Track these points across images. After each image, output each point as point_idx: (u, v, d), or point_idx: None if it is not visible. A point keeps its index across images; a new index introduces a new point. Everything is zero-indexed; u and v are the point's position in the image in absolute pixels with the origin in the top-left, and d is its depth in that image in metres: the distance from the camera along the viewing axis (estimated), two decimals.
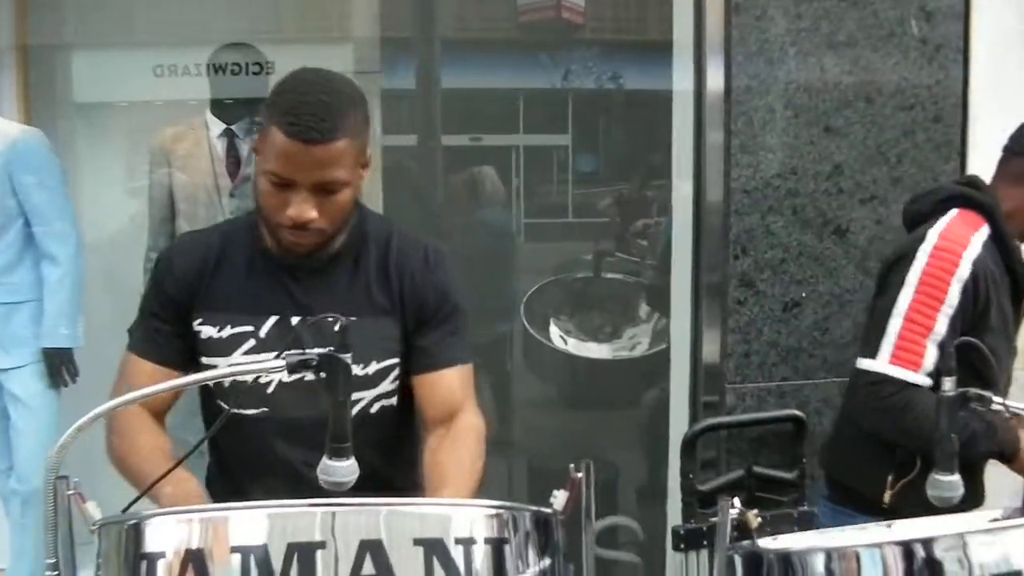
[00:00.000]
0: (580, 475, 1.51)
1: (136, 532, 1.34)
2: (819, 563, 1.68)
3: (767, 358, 2.82)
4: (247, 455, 1.83)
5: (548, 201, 4.25)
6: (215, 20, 3.97)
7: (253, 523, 1.29)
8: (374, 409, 1.85)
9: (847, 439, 2.38)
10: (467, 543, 1.31)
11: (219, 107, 3.62)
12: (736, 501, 1.75)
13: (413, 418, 1.92)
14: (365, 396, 1.83)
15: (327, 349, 1.49)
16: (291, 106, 1.66)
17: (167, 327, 1.84)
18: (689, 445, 2.75)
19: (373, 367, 1.82)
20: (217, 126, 3.58)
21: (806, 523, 2.70)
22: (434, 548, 1.28)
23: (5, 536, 3.57)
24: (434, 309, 1.85)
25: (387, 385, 1.85)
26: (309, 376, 1.66)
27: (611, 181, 4.12)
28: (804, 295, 2.81)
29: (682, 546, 2.76)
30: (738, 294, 2.78)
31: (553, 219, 4.27)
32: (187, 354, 1.85)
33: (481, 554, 1.32)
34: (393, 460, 1.89)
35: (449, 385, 1.85)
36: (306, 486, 1.58)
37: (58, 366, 3.26)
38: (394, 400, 1.87)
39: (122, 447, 1.79)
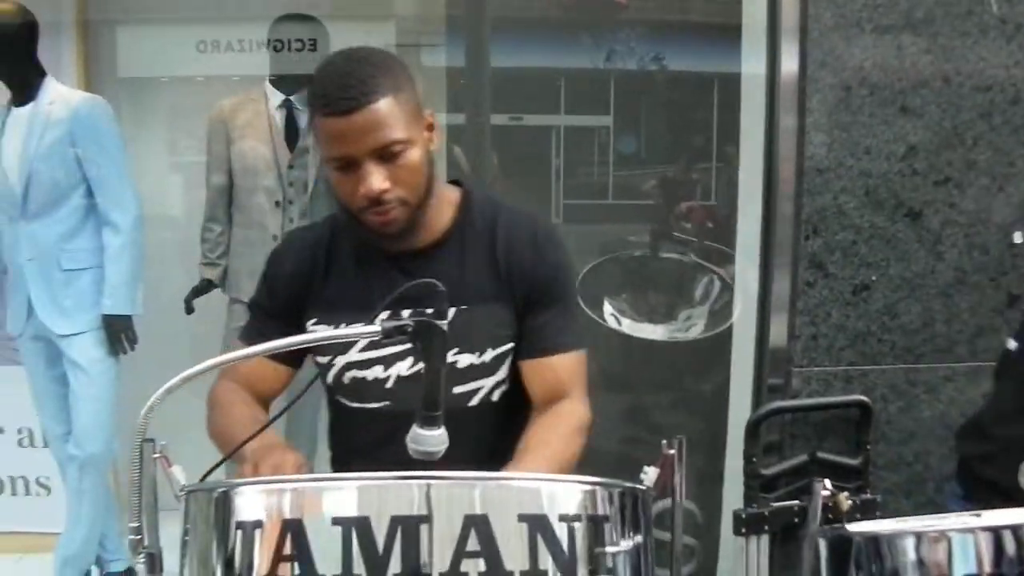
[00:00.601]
0: (672, 452, 1.49)
1: (226, 500, 1.32)
2: (909, 547, 1.66)
3: (835, 341, 2.78)
4: (367, 448, 1.81)
5: (588, 182, 4.21)
6: None
7: (348, 495, 1.27)
8: (495, 396, 1.82)
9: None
10: (570, 520, 1.28)
11: (278, 78, 3.61)
12: (827, 483, 1.73)
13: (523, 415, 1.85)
14: (484, 384, 1.81)
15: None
16: (321, 87, 1.66)
17: (274, 323, 1.85)
18: (753, 428, 2.73)
19: (489, 355, 1.79)
20: (276, 97, 3.57)
21: (868, 511, 2.67)
22: (538, 524, 1.25)
23: (59, 501, 3.61)
24: (543, 290, 1.80)
25: (506, 370, 1.81)
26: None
27: (652, 163, 4.08)
28: (874, 278, 2.77)
29: (743, 530, 2.73)
30: (808, 275, 2.74)
31: (593, 200, 4.23)
32: (300, 353, 1.86)
33: (583, 531, 1.29)
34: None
35: (555, 372, 1.80)
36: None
37: (117, 333, 3.27)
38: (512, 385, 1.83)
39: (220, 421, 1.80)
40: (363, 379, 1.81)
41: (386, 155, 1.66)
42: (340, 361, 1.81)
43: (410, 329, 1.44)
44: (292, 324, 1.84)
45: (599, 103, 3.96)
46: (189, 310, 3.69)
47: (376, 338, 1.45)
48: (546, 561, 1.24)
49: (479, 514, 1.23)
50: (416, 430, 1.48)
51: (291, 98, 3.57)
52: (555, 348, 1.79)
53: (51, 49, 3.53)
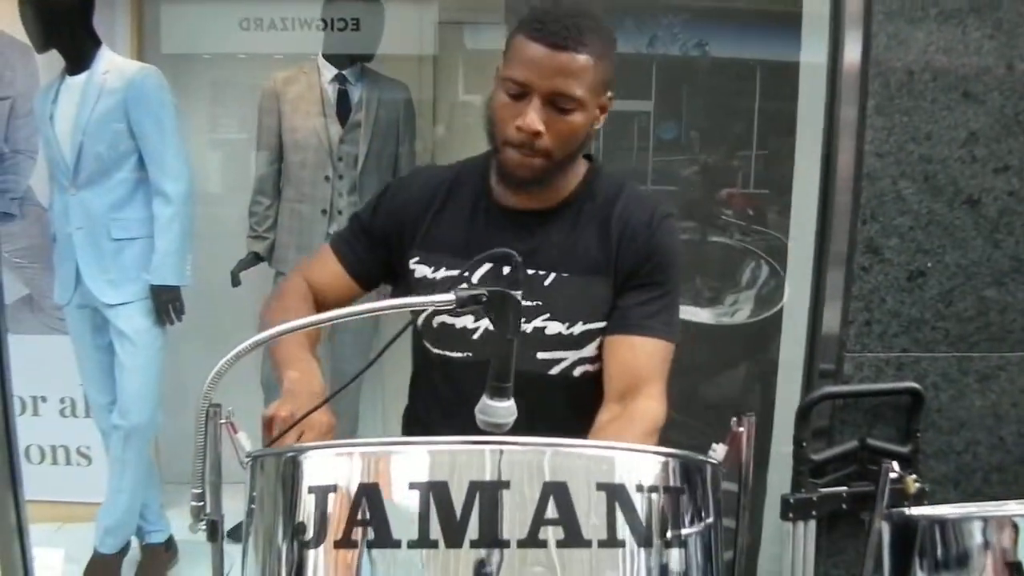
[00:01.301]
0: (741, 429, 1.48)
1: (295, 465, 1.31)
2: (976, 531, 1.64)
3: (888, 328, 2.74)
4: (447, 398, 1.82)
5: (627, 167, 4.18)
6: None
7: (419, 459, 1.26)
8: (577, 372, 1.80)
9: None
10: (648, 491, 1.27)
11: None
12: (895, 465, 1.71)
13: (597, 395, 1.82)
14: (568, 357, 1.80)
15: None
16: (542, 14, 1.68)
17: (368, 242, 1.90)
18: (805, 413, 2.71)
19: (579, 328, 1.78)
20: (329, 71, 3.57)
21: (917, 500, 2.64)
22: (617, 493, 1.24)
23: (100, 471, 3.63)
24: (647, 271, 1.78)
25: (592, 349, 1.79)
26: (533, 326, 1.75)
27: (692, 150, 4.05)
28: (930, 265, 2.73)
29: (791, 515, 2.72)
30: (863, 260, 2.71)
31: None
32: (375, 276, 1.91)
33: (659, 503, 1.28)
34: (588, 430, 1.76)
35: (635, 356, 1.75)
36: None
37: (165, 303, 3.28)
38: (598, 367, 1.81)
39: (277, 315, 1.79)
40: (452, 326, 1.81)
41: (558, 104, 1.68)
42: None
43: (484, 299, 1.43)
44: (385, 250, 1.87)
45: (640, 88, 3.93)
46: (235, 283, 3.71)
47: (450, 307, 1.44)
48: (624, 531, 1.23)
49: (558, 481, 1.22)
50: (485, 401, 1.47)
51: (344, 72, 3.57)
52: (643, 329, 1.76)
53: (106, 21, 3.55)
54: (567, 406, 1.78)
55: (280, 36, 3.99)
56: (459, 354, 1.82)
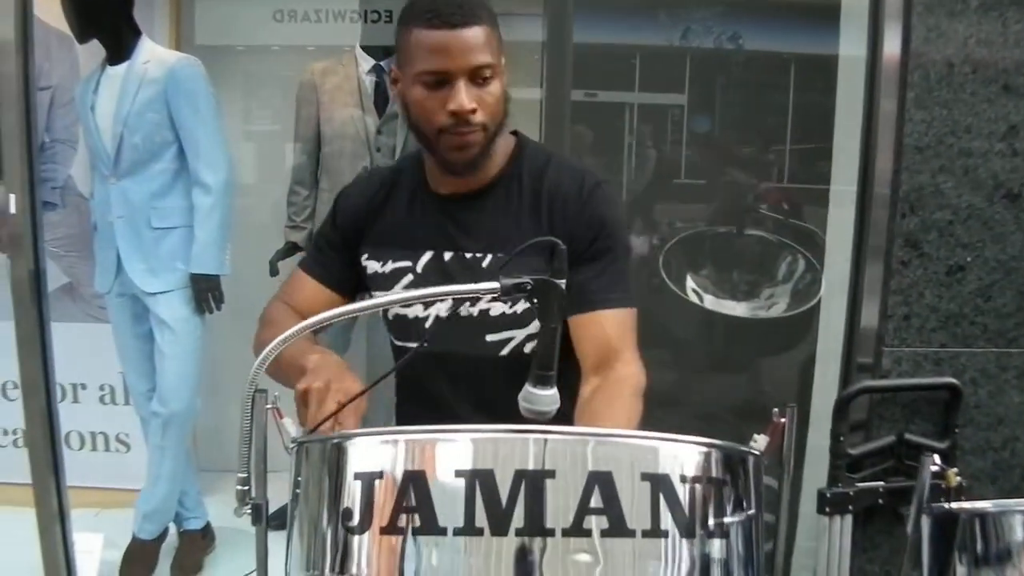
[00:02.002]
0: (783, 420, 1.48)
1: (339, 451, 1.32)
2: (1018, 525, 1.64)
3: (927, 322, 2.73)
4: (411, 387, 1.88)
5: (660, 160, 4.17)
6: None
7: (463, 447, 1.26)
8: (527, 349, 1.82)
9: None
10: (691, 481, 1.27)
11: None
12: (936, 458, 1.71)
13: (570, 364, 1.80)
14: (516, 335, 1.83)
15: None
16: (428, 4, 1.70)
17: (334, 254, 1.93)
18: (842, 407, 2.70)
19: (521, 305, 1.80)
20: (367, 62, 3.59)
21: (956, 494, 2.63)
22: (661, 484, 1.24)
23: (138, 458, 3.67)
24: (587, 243, 1.78)
25: (536, 326, 1.75)
26: (462, 312, 1.78)
27: (725, 143, 4.03)
28: (969, 260, 2.72)
29: (827, 509, 2.71)
30: (902, 254, 2.69)
31: (665, 179, 4.19)
32: (351, 283, 1.93)
33: (703, 493, 1.28)
34: None
35: (602, 328, 1.77)
36: (456, 420, 1.67)
37: (204, 292, 3.31)
38: None
39: (268, 336, 1.75)
40: (404, 316, 1.86)
41: (477, 78, 1.71)
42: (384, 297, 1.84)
43: (528, 287, 1.44)
44: (349, 256, 1.91)
45: (674, 81, 3.92)
46: (274, 272, 3.74)
47: (494, 292, 1.44)
48: (667, 521, 1.23)
49: (603, 471, 1.22)
50: (528, 389, 1.48)
51: (381, 63, 3.58)
52: (604, 303, 1.78)
53: (145, 13, 3.58)
54: (518, 385, 1.73)
55: (314, 28, 4.02)
56: (414, 344, 1.84)
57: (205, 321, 3.39)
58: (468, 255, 1.82)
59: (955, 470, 1.63)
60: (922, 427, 2.77)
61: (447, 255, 1.82)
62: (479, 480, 1.22)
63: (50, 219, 3.85)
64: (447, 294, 1.56)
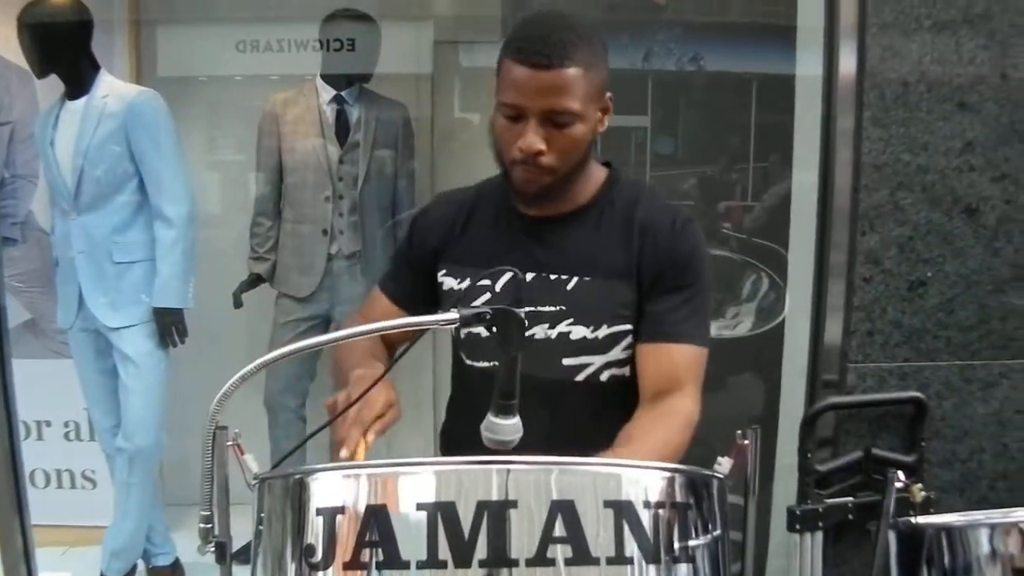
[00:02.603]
0: (747, 442, 1.48)
1: (302, 487, 1.32)
2: (983, 538, 1.65)
3: (890, 338, 2.75)
4: (477, 407, 1.77)
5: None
6: None
7: (427, 480, 1.27)
8: (604, 377, 1.81)
9: None
10: (655, 507, 1.27)
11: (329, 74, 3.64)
12: (901, 475, 1.72)
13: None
14: (594, 361, 1.81)
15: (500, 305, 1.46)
16: (522, 36, 1.70)
17: (411, 273, 1.95)
18: (809, 424, 2.71)
19: (603, 331, 1.79)
20: (327, 92, 3.60)
21: (924, 508, 2.64)
22: (624, 511, 1.25)
23: (105, 495, 3.63)
24: (673, 276, 1.78)
25: (618, 353, 1.80)
26: (540, 334, 1.77)
27: (689, 164, 4.06)
28: (930, 275, 2.74)
29: (797, 527, 2.72)
30: (864, 271, 2.72)
31: None
32: (426, 302, 1.89)
33: (667, 519, 1.28)
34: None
35: (671, 361, 1.76)
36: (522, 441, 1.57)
37: (168, 326, 3.30)
38: (627, 371, 1.82)
39: (340, 353, 1.89)
40: (478, 335, 1.82)
41: (555, 120, 1.70)
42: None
43: (488, 317, 1.44)
44: (425, 275, 1.91)
45: (637, 103, 3.95)
46: (238, 304, 3.72)
47: (453, 323, 1.44)
48: (631, 548, 1.24)
49: (566, 500, 1.22)
50: (491, 419, 1.48)
51: (342, 94, 3.59)
52: (676, 336, 1.77)
53: (104, 45, 3.57)
54: (594, 413, 1.80)
55: (277, 58, 4.02)
56: (486, 364, 1.84)
57: (169, 355, 3.37)
58: (553, 276, 1.80)
59: (920, 485, 1.64)
60: (889, 441, 2.78)
61: (530, 275, 1.80)
62: (441, 512, 1.22)
63: (11, 254, 3.82)
64: (404, 326, 1.57)
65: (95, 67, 3.28)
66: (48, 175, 3.37)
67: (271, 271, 3.70)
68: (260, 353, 1.42)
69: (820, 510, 2.70)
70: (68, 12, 3.24)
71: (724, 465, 1.47)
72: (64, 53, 3.23)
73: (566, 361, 1.80)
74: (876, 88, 2.67)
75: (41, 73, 3.30)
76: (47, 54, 3.23)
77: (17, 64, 3.53)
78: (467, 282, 1.84)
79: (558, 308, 1.78)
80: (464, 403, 1.95)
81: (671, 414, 1.72)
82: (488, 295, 1.80)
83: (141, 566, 3.61)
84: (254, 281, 3.73)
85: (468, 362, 1.89)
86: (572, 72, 1.67)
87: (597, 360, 1.80)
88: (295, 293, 3.67)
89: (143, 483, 3.38)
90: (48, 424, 3.94)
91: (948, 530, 1.66)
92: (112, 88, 3.26)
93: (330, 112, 3.58)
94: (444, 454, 1.96)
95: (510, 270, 1.50)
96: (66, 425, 3.94)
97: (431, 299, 1.91)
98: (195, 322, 3.41)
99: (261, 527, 1.37)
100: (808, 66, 2.89)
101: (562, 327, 1.78)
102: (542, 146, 1.70)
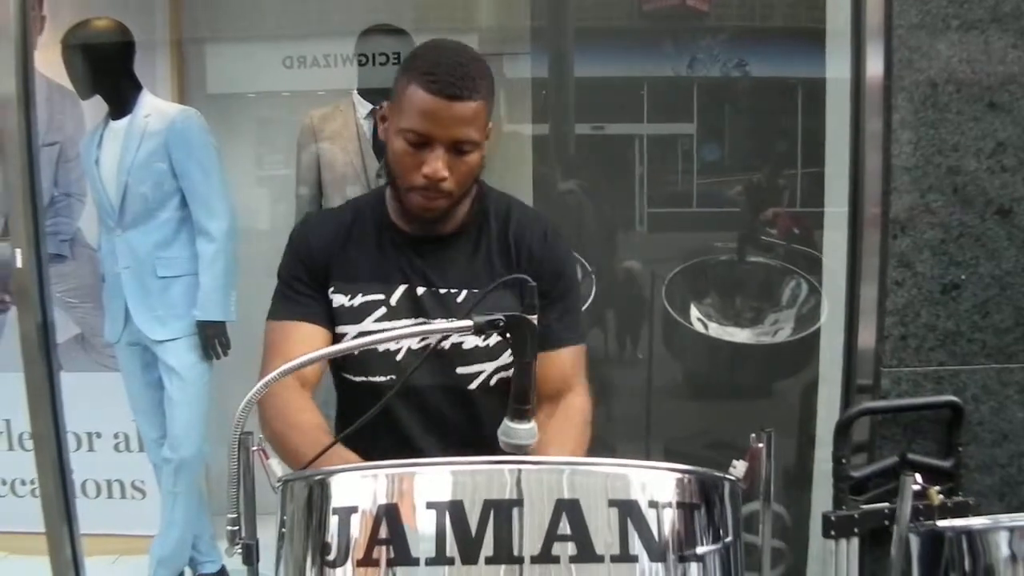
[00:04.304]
0: (761, 445, 1.49)
1: (323, 487, 1.36)
2: (1003, 541, 1.64)
3: (924, 342, 2.73)
4: (375, 423, 1.74)
5: (672, 191, 4.20)
6: (342, 12, 4.08)
7: (441, 479, 1.30)
8: (494, 381, 1.89)
9: None
10: (660, 506, 1.29)
11: (366, 88, 3.69)
12: (918, 477, 1.71)
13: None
14: (486, 368, 1.89)
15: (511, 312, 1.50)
16: (432, 65, 1.73)
17: (307, 290, 1.91)
18: (843, 429, 2.70)
19: (494, 339, 1.86)
20: (364, 107, 3.64)
21: (961, 514, 2.61)
22: (629, 509, 1.27)
23: (154, 505, 3.70)
24: (551, 283, 1.88)
25: (506, 357, 1.86)
26: (451, 342, 1.83)
27: (736, 170, 4.05)
28: (964, 277, 2.72)
29: (832, 532, 2.71)
30: (896, 275, 2.70)
31: (677, 208, 4.22)
32: (330, 318, 1.89)
33: (672, 519, 1.30)
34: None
35: (561, 366, 1.89)
36: (420, 453, 1.73)
37: (211, 339, 3.36)
38: (511, 372, 1.85)
39: (279, 425, 1.79)
40: (374, 350, 1.87)
41: (458, 149, 1.75)
42: (353, 331, 1.86)
43: (501, 324, 1.47)
44: (319, 291, 1.91)
45: (682, 111, 3.95)
46: None
47: (468, 330, 1.48)
48: (636, 546, 1.26)
49: (570, 499, 1.25)
50: (507, 423, 1.51)
51: (379, 107, 3.64)
52: (561, 343, 1.89)
53: (147, 65, 3.66)
54: (486, 414, 1.86)
55: (323, 73, 4.07)
56: (382, 378, 1.87)
57: (213, 367, 3.43)
58: (443, 290, 1.87)
59: (937, 488, 1.63)
60: (925, 447, 2.76)
61: (420, 290, 1.87)
62: (449, 511, 1.25)
63: (61, 270, 3.92)
64: (425, 332, 1.61)
65: (137, 87, 3.36)
66: (94, 193, 3.46)
67: None
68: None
69: (855, 516, 2.69)
70: (110, 34, 3.33)
71: (739, 468, 1.48)
72: (107, 74, 3.32)
73: (460, 370, 1.88)
74: (904, 90, 2.66)
75: (85, 94, 3.40)
76: (90, 75, 3.32)
77: (64, 85, 3.62)
78: (359, 298, 1.87)
79: (450, 320, 1.78)
80: (353, 417, 1.86)
81: (572, 414, 1.86)
82: (383, 309, 1.86)
83: (188, 574, 3.67)
84: None
85: (355, 379, 1.90)
86: (477, 104, 1.74)
87: (488, 367, 1.88)
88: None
89: (188, 492, 3.44)
90: (98, 436, 4.02)
91: (968, 533, 1.65)
92: (154, 107, 3.35)
93: (367, 126, 3.63)
94: None
95: (520, 280, 1.53)
96: (116, 436, 4.02)
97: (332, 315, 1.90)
98: (240, 335, 3.47)
99: (284, 529, 1.41)
100: (837, 69, 2.89)
101: (455, 338, 1.85)
102: (445, 173, 1.75)
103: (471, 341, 1.86)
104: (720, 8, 3.97)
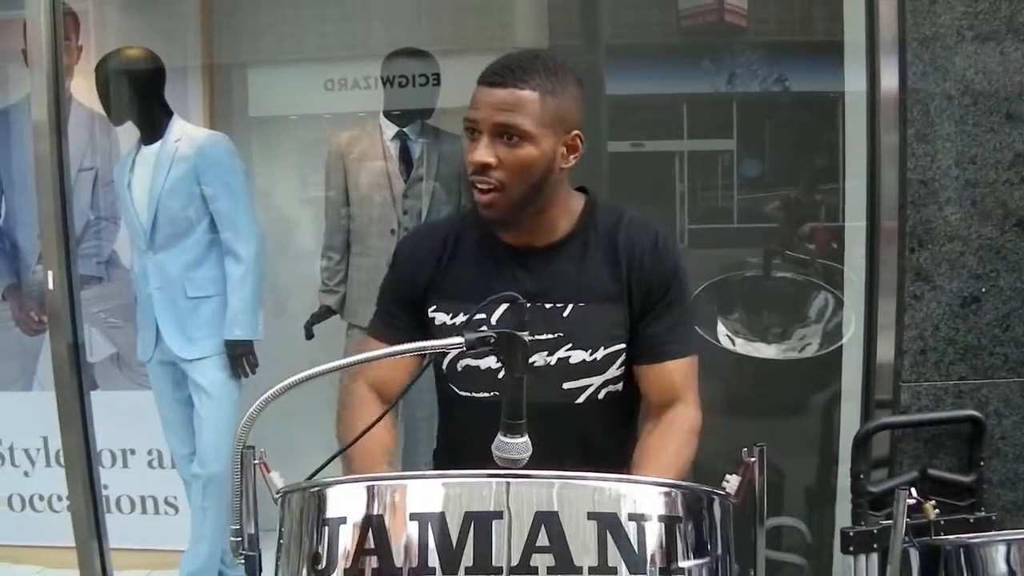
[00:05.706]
0: (753, 459, 1.48)
1: (318, 498, 1.40)
2: (999, 555, 1.64)
3: (944, 356, 2.72)
4: (473, 437, 1.75)
5: (712, 206, 4.20)
6: (382, 34, 4.12)
7: (430, 491, 1.34)
8: (602, 395, 1.87)
9: None
10: (640, 519, 1.31)
11: (392, 111, 3.74)
12: (912, 491, 1.71)
13: (639, 402, 1.92)
14: (593, 382, 1.86)
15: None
16: (496, 63, 1.78)
17: (402, 312, 1.94)
18: (861, 443, 2.68)
19: (601, 353, 1.84)
20: (390, 129, 3.69)
21: (983, 529, 2.59)
22: (607, 523, 1.29)
23: (187, 520, 3.76)
24: (661, 294, 1.85)
25: (614, 371, 1.85)
26: (540, 361, 1.81)
27: (776, 186, 4.04)
28: (984, 290, 2.71)
29: (851, 548, 2.69)
30: (914, 289, 2.69)
31: (717, 224, 4.21)
32: (424, 337, 1.89)
33: (654, 532, 1.32)
34: (622, 444, 1.90)
35: (670, 377, 1.86)
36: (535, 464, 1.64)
37: (239, 357, 3.42)
38: (620, 386, 1.88)
39: (344, 429, 1.93)
40: (476, 367, 1.87)
41: (505, 137, 1.75)
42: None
43: (493, 340, 1.49)
44: (415, 312, 1.92)
45: (722, 127, 3.96)
46: (309, 336, 3.83)
47: (458, 347, 1.50)
48: (615, 558, 1.28)
49: (549, 511, 1.27)
50: (500, 438, 1.52)
51: (404, 130, 3.69)
52: (671, 354, 1.86)
53: (179, 91, 3.74)
54: (598, 430, 1.87)
55: (364, 94, 4.11)
56: (485, 394, 1.87)
57: (241, 385, 3.49)
58: (548, 305, 1.85)
59: (932, 502, 1.63)
60: (947, 462, 2.74)
61: (526, 306, 1.81)
62: (431, 522, 1.28)
63: (99, 292, 4.01)
64: (419, 350, 1.62)
65: (168, 113, 3.44)
66: (126, 216, 3.54)
67: (341, 303, 3.79)
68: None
69: (874, 532, 2.66)
70: (141, 62, 3.41)
71: (732, 483, 1.48)
72: (138, 101, 3.40)
73: (566, 385, 1.85)
74: (919, 103, 2.66)
75: (117, 120, 3.49)
76: (122, 102, 3.41)
77: (99, 112, 3.71)
78: (460, 316, 1.86)
79: (556, 335, 1.82)
80: (456, 431, 2.00)
81: (677, 425, 1.83)
82: (485, 328, 1.80)
83: None
84: (324, 313, 3.83)
85: (461, 393, 1.91)
86: (525, 93, 1.74)
87: (596, 380, 1.85)
88: (365, 324, 3.74)
89: (217, 508, 3.49)
90: (132, 452, 4.07)
91: (967, 547, 1.65)
92: (184, 132, 3.42)
93: (394, 148, 3.68)
94: None
95: (511, 297, 1.55)
96: (149, 453, 4.07)
97: (426, 336, 1.91)
98: (270, 353, 3.52)
99: (282, 540, 1.45)
100: (855, 83, 2.89)
101: (561, 353, 1.83)
102: (490, 159, 1.75)
103: (577, 356, 1.83)
104: (759, 23, 3.98)
